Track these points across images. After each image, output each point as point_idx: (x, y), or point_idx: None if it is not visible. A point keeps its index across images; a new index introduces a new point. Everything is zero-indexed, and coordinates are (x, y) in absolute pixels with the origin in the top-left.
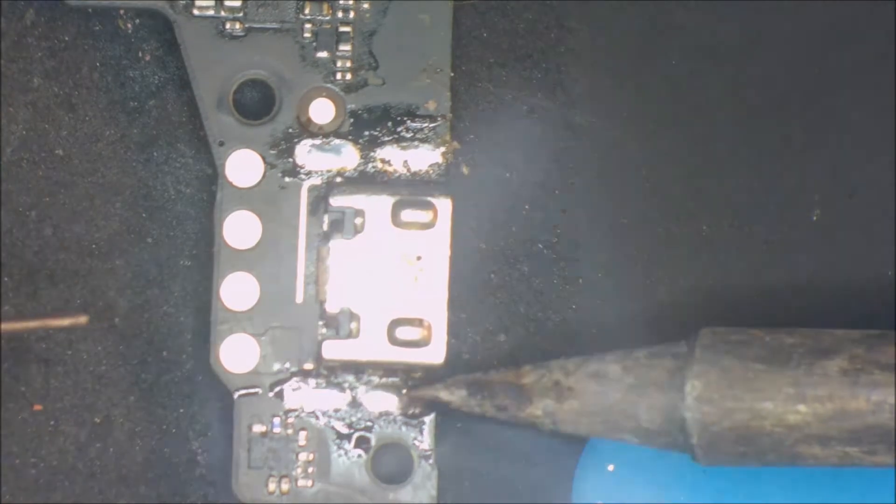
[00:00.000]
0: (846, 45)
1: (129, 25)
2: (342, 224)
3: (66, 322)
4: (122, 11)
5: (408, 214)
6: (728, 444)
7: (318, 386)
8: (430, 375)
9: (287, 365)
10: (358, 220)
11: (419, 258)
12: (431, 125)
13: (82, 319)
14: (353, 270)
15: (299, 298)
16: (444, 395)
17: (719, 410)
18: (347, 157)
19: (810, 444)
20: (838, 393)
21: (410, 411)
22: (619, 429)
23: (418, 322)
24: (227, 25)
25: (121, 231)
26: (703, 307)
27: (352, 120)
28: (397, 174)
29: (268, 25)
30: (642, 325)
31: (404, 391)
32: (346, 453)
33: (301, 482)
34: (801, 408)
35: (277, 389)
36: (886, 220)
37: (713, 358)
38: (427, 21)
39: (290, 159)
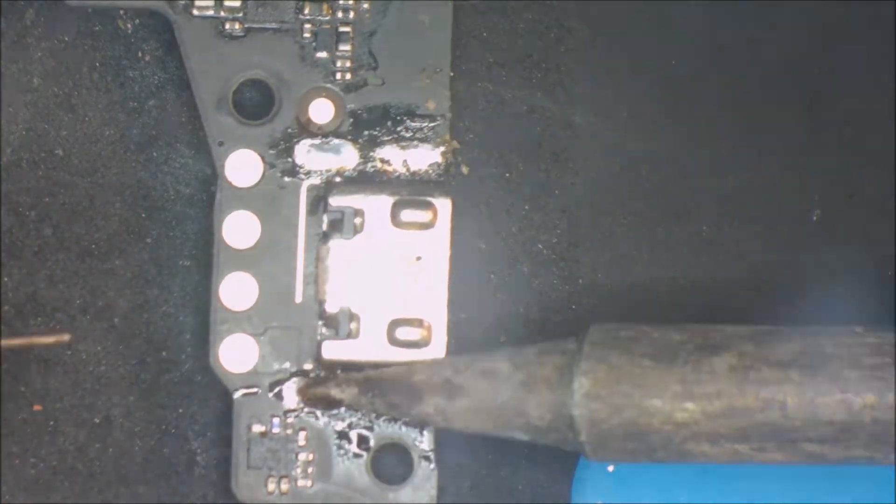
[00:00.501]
0: (846, 45)
1: (129, 25)
2: (341, 224)
3: (50, 340)
4: (122, 11)
5: (407, 214)
6: (617, 441)
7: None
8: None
9: (286, 365)
10: (357, 220)
11: (419, 258)
12: (431, 125)
13: (66, 337)
14: (353, 270)
15: (298, 298)
16: (335, 392)
17: (608, 407)
18: (347, 156)
19: (699, 442)
20: (726, 390)
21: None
22: (510, 426)
23: (418, 322)
24: (227, 26)
25: (120, 231)
26: (703, 307)
27: (351, 120)
28: (397, 174)
29: (267, 26)
30: (642, 324)
31: (297, 389)
32: (345, 453)
33: (301, 482)
34: (689, 405)
35: (277, 389)
36: (886, 220)
37: (601, 354)
38: (427, 21)
39: (290, 159)
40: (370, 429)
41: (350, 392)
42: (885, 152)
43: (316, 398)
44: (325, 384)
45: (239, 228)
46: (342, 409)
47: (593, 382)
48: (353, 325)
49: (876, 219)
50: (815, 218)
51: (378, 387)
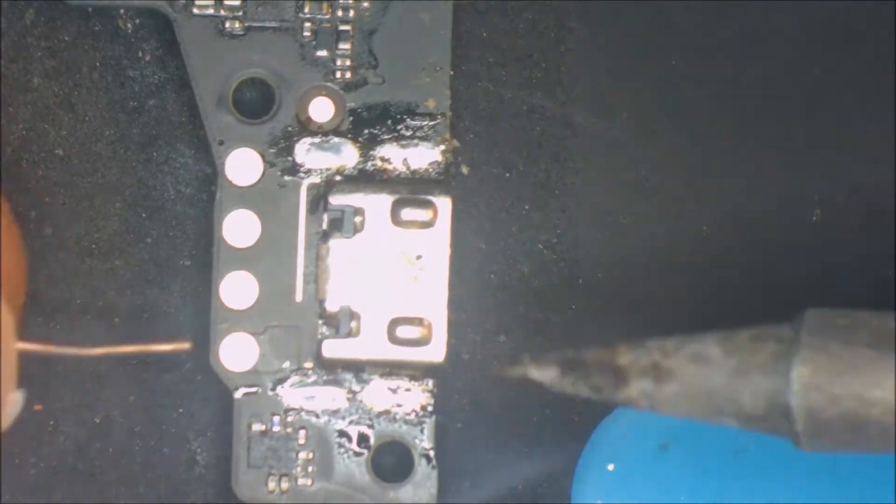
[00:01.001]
0: (846, 45)
1: (129, 25)
2: (342, 223)
3: (168, 347)
4: (122, 11)
5: (407, 213)
6: (834, 431)
7: (317, 384)
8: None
9: (287, 363)
10: (357, 219)
11: (419, 257)
12: (431, 123)
13: (186, 345)
14: (353, 269)
15: (299, 297)
16: (534, 373)
17: (826, 397)
18: (347, 155)
19: None
20: None
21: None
22: (721, 413)
23: (418, 321)
24: (227, 24)
25: (120, 231)
26: (703, 307)
27: (351, 118)
28: (397, 172)
29: (267, 24)
30: (642, 324)
31: (492, 368)
32: (346, 452)
33: (301, 481)
34: None
35: (277, 388)
36: (886, 220)
37: (820, 343)
38: (427, 20)
39: (290, 158)
40: (370, 427)
41: (550, 373)
42: (885, 152)
43: (511, 378)
44: (522, 364)
45: (239, 227)
46: (343, 409)
47: (812, 372)
48: (353, 324)
49: (876, 219)
50: (814, 218)
51: (581, 369)
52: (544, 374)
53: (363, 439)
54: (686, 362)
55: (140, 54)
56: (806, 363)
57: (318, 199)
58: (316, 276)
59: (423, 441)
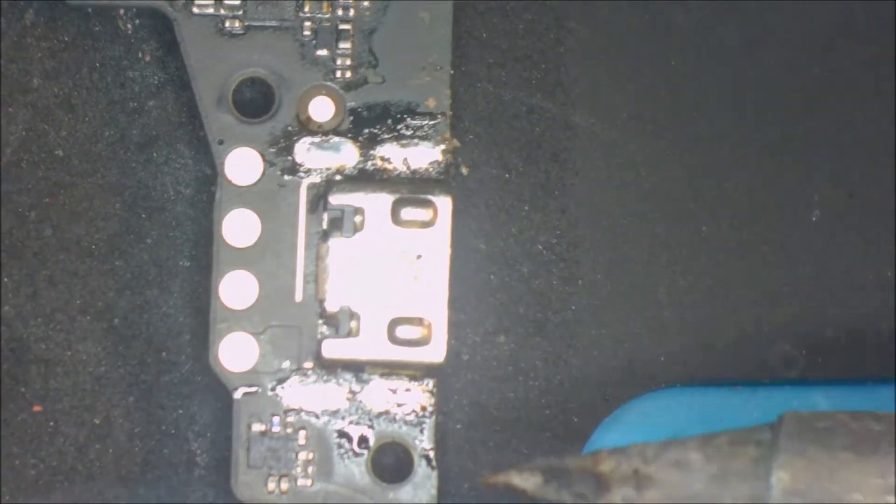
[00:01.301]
0: (846, 45)
1: (129, 26)
2: (341, 222)
3: None
4: (122, 12)
5: (408, 213)
6: None
7: (317, 384)
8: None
9: (286, 364)
10: (357, 219)
11: (419, 257)
12: (431, 122)
13: None
14: (353, 269)
15: (299, 297)
16: (518, 481)
17: (806, 502)
18: (347, 155)
19: None
20: None
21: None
22: None
23: (418, 321)
24: (227, 23)
25: (120, 232)
26: (703, 307)
27: (351, 118)
28: (397, 172)
29: (267, 23)
30: (643, 324)
31: (480, 478)
32: (345, 452)
33: (301, 481)
34: (891, 499)
35: (277, 388)
36: (886, 220)
37: (799, 447)
38: (427, 19)
39: (290, 157)
40: (370, 428)
41: (534, 481)
42: (885, 152)
43: (497, 485)
44: (507, 473)
45: (239, 227)
46: (343, 409)
47: (791, 476)
48: (353, 324)
49: (876, 219)
50: (814, 218)
51: (563, 476)
52: (528, 482)
53: (363, 440)
54: (667, 468)
55: (140, 54)
56: (785, 468)
57: (318, 198)
58: (316, 276)
59: (423, 441)
